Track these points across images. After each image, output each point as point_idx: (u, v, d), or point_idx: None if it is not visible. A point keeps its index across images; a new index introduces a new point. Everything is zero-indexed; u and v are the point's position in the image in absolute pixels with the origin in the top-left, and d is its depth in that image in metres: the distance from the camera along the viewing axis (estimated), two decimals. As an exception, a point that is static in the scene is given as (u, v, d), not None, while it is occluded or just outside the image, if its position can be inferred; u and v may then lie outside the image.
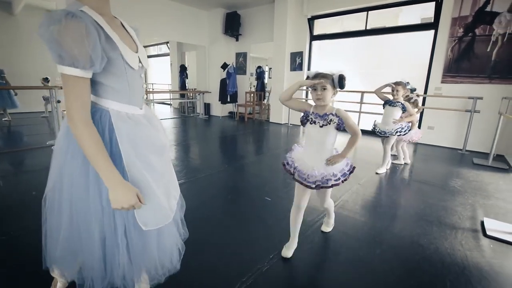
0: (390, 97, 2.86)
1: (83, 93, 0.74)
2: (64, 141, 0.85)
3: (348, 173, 1.36)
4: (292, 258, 1.47)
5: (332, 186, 1.32)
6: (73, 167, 0.82)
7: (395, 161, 3.33)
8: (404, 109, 2.74)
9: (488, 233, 1.74)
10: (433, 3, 4.22)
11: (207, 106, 7.57)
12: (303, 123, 1.35)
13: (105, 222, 0.84)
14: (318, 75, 1.27)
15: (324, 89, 1.25)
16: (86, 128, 0.74)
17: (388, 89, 2.89)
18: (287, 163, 1.41)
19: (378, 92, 2.93)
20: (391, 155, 3.69)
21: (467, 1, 3.88)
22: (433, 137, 4.42)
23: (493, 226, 1.81)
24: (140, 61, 0.90)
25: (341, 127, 1.28)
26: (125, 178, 0.82)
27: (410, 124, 2.86)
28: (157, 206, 0.90)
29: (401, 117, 2.83)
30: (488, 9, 3.75)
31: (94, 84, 0.80)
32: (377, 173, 2.91)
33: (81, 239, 0.85)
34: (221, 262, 1.43)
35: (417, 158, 3.72)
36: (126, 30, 0.92)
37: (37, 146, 3.69)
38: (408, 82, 2.81)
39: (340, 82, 1.24)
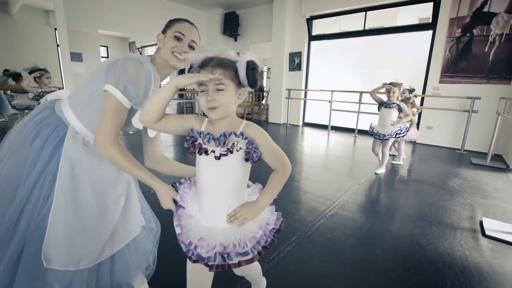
0: (385, 98, 2.86)
1: (122, 120, 0.83)
2: (21, 130, 0.85)
3: (272, 235, 0.82)
4: (292, 260, 1.47)
5: (239, 265, 0.78)
6: (8, 166, 0.82)
7: (394, 161, 3.33)
8: (400, 110, 2.73)
9: (487, 233, 1.74)
10: (431, 4, 4.24)
11: (205, 106, 7.55)
12: (191, 151, 0.78)
13: (4, 232, 0.77)
14: (209, 62, 0.71)
15: (220, 89, 0.70)
16: (118, 151, 0.80)
17: (383, 90, 2.90)
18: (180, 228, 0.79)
19: (373, 93, 2.92)
20: (389, 155, 3.71)
21: (465, 2, 3.90)
22: (431, 137, 4.44)
23: (492, 226, 1.82)
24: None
25: (254, 157, 0.74)
26: (48, 201, 0.76)
27: (408, 124, 2.86)
28: (75, 246, 0.79)
29: (400, 117, 2.84)
30: (485, 9, 3.77)
31: (81, 100, 0.87)
32: (376, 174, 2.92)
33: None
34: (221, 263, 1.42)
35: (415, 158, 3.73)
36: None
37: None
38: (401, 83, 2.81)
39: (250, 75, 0.70)
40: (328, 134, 5.24)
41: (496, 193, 2.48)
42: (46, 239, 0.75)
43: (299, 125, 6.22)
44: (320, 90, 5.64)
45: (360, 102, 4.92)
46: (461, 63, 4.04)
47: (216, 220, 0.79)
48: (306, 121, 6.34)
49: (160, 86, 0.95)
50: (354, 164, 3.42)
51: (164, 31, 0.91)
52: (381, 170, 2.95)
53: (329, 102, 5.31)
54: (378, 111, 2.90)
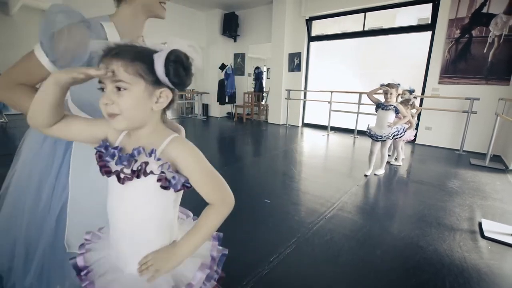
0: (382, 99, 2.86)
1: (35, 77, 0.72)
2: (29, 133, 0.86)
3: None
4: (292, 262, 1.47)
5: None
6: (26, 170, 0.84)
7: (394, 162, 3.34)
8: (397, 112, 2.73)
9: (486, 234, 1.75)
10: (430, 5, 4.25)
11: (205, 107, 7.56)
12: (102, 171, 0.57)
13: (32, 233, 0.81)
14: (111, 50, 0.53)
15: (121, 89, 0.52)
16: (15, 89, 0.72)
17: (381, 91, 2.90)
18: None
19: (370, 94, 2.92)
20: (390, 155, 3.71)
21: (464, 3, 3.91)
22: (430, 137, 4.45)
23: (490, 227, 1.83)
24: None
25: (176, 185, 0.55)
26: (64, 194, 0.80)
27: (405, 126, 2.85)
28: (87, 228, 0.80)
29: (398, 117, 2.85)
30: (484, 10, 3.78)
31: (78, 95, 0.82)
32: (375, 174, 2.93)
33: (14, 237, 0.83)
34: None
35: (415, 159, 3.74)
36: None
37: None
38: (399, 84, 2.78)
39: (171, 71, 0.52)
40: (328, 135, 5.24)
41: (495, 194, 2.49)
42: (68, 226, 0.79)
43: (298, 126, 6.23)
44: (320, 91, 5.65)
45: (359, 103, 4.93)
46: (460, 64, 4.06)
47: (126, 265, 0.59)
48: (305, 121, 6.35)
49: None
50: (353, 164, 3.43)
51: None
52: (381, 171, 2.95)
53: (329, 102, 5.32)
54: (376, 112, 2.90)
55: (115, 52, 0.52)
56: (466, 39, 3.96)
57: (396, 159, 3.37)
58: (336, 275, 1.38)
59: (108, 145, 0.59)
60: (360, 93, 4.92)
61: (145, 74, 0.52)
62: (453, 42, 4.06)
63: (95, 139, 0.62)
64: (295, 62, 5.96)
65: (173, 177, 0.55)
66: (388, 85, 2.73)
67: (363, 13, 5.00)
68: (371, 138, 2.88)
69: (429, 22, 4.32)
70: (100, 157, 0.57)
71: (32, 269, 0.80)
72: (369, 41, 5.29)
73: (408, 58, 4.89)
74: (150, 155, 0.54)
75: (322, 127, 5.82)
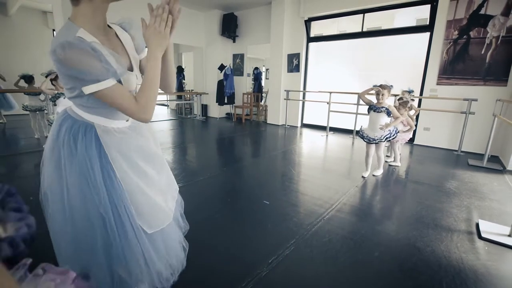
0: (375, 100, 2.85)
1: (122, 91, 0.78)
2: (54, 146, 0.86)
3: None
4: (291, 263, 1.48)
5: None
6: (69, 174, 0.83)
7: (392, 163, 3.35)
8: (389, 114, 2.70)
9: (483, 235, 1.76)
10: (429, 6, 4.27)
11: (204, 108, 7.56)
12: None
13: (108, 229, 0.85)
14: None
15: None
16: (147, 104, 0.81)
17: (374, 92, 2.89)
18: None
19: (363, 95, 2.88)
20: (388, 155, 3.73)
21: (462, 4, 3.93)
22: (429, 138, 4.47)
23: (488, 228, 1.84)
24: (137, 78, 0.93)
25: None
26: (119, 189, 0.87)
27: (398, 128, 2.85)
28: (155, 209, 0.95)
29: (394, 117, 2.88)
30: (482, 12, 3.80)
31: (79, 100, 0.82)
32: (374, 175, 2.94)
33: (85, 245, 0.86)
34: (220, 267, 1.44)
35: (413, 159, 3.76)
36: (120, 41, 0.92)
37: (33, 150, 3.66)
38: (391, 86, 2.72)
39: None
40: (327, 136, 5.26)
41: (492, 195, 2.51)
42: (137, 214, 0.89)
43: (297, 126, 6.24)
44: (319, 92, 5.66)
45: (358, 104, 4.94)
46: (458, 65, 4.07)
47: None
48: (304, 122, 6.36)
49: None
50: (352, 165, 3.44)
51: None
52: (379, 172, 2.96)
53: (328, 103, 5.33)
54: (368, 114, 2.85)
55: None
56: (464, 40, 3.98)
57: (394, 159, 3.38)
58: (334, 277, 1.39)
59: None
60: (359, 94, 4.94)
61: None
62: (451, 43, 4.08)
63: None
64: (294, 63, 5.97)
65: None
66: (381, 86, 2.71)
67: (362, 14, 5.02)
68: (364, 140, 2.88)
69: (428, 23, 4.34)
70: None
71: (133, 265, 0.89)
72: (367, 42, 5.31)
73: (406, 59, 4.90)
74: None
75: (321, 128, 5.84)
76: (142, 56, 0.99)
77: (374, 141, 2.78)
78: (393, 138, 2.80)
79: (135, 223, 0.89)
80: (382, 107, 2.69)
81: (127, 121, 0.96)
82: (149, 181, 0.95)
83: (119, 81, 0.81)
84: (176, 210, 1.13)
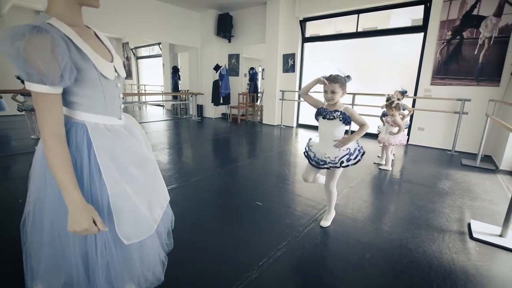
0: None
1: (54, 108, 0.72)
2: (41, 162, 0.82)
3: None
4: (281, 265, 1.47)
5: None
6: (54, 189, 0.80)
7: (383, 167, 3.24)
8: (347, 121, 1.66)
9: (474, 235, 1.77)
10: (422, 6, 4.29)
11: (199, 108, 7.53)
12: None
13: (87, 238, 0.83)
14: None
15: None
16: (56, 142, 0.72)
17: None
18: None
19: (305, 93, 1.81)
20: (381, 156, 3.73)
21: (455, 5, 3.95)
22: (423, 138, 4.49)
23: (479, 228, 1.85)
24: (116, 70, 0.88)
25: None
26: (104, 192, 0.83)
27: (361, 147, 1.78)
28: (138, 219, 0.89)
29: (389, 122, 2.82)
30: (475, 12, 3.83)
31: (68, 97, 0.79)
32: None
33: (64, 255, 0.84)
34: (210, 270, 1.42)
35: (407, 159, 3.77)
36: (100, 40, 0.90)
37: (24, 151, 3.61)
38: (348, 76, 1.68)
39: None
40: (322, 136, 5.25)
41: (484, 194, 2.52)
42: (117, 223, 0.83)
43: (293, 127, 6.24)
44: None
45: (353, 104, 4.95)
46: (452, 66, 4.10)
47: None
48: (300, 122, 6.36)
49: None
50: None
51: None
52: (327, 223, 1.94)
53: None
54: (316, 120, 1.83)
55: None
56: (457, 41, 4.00)
57: (385, 163, 3.25)
58: (325, 279, 1.38)
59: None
60: (354, 94, 4.95)
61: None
62: (445, 43, 4.10)
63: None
64: (289, 63, 5.97)
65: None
66: (329, 78, 1.65)
67: (357, 14, 5.03)
68: (310, 163, 1.82)
69: (421, 23, 4.36)
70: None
71: (99, 273, 0.84)
72: (362, 42, 5.32)
73: (401, 59, 4.92)
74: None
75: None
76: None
77: (323, 165, 1.72)
78: (355, 163, 1.70)
79: (109, 232, 0.85)
80: (335, 111, 1.67)
81: (119, 119, 0.93)
82: (136, 187, 0.90)
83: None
84: (160, 224, 1.07)
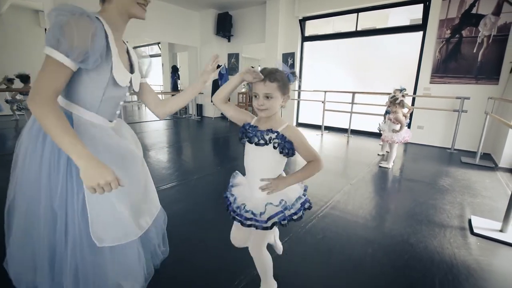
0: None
1: (60, 79, 0.73)
2: (25, 139, 0.84)
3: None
4: (284, 260, 1.47)
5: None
6: (29, 172, 0.81)
7: (383, 164, 3.23)
8: (285, 151, 0.97)
9: (475, 231, 1.78)
10: (421, 5, 4.31)
11: (199, 107, 7.53)
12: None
13: (57, 234, 0.81)
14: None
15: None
16: (54, 107, 0.71)
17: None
18: None
19: (221, 100, 1.07)
20: (381, 155, 3.75)
21: (454, 4, 3.97)
22: (422, 136, 4.51)
23: (480, 224, 1.86)
24: (130, 81, 0.91)
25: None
26: (81, 187, 0.80)
27: (307, 200, 1.09)
28: (116, 221, 0.85)
29: (391, 119, 2.84)
30: (473, 11, 3.85)
31: (69, 85, 0.80)
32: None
33: (33, 246, 0.83)
34: (213, 265, 1.42)
35: (407, 158, 3.78)
36: (129, 56, 0.95)
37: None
38: (293, 73, 0.99)
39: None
40: (322, 134, 5.27)
41: (484, 191, 2.53)
42: (91, 222, 0.81)
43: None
44: (313, 91, 5.68)
45: (352, 103, 4.96)
46: (451, 64, 4.12)
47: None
48: (299, 121, 6.37)
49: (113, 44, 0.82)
50: (346, 164, 3.45)
51: None
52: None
53: (322, 102, 5.35)
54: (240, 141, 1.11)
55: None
56: (456, 39, 4.02)
57: (387, 160, 3.23)
58: (328, 273, 1.39)
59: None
60: (353, 93, 4.96)
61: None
62: (444, 42, 4.12)
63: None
64: (288, 62, 5.97)
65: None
66: (265, 72, 0.95)
67: (356, 14, 5.04)
68: (230, 215, 1.09)
69: (421, 22, 4.37)
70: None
71: (67, 275, 0.81)
72: (362, 41, 5.34)
73: (400, 58, 4.94)
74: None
75: (316, 127, 5.85)
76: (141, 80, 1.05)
77: (244, 222, 1.00)
78: (297, 220, 1.01)
79: (82, 233, 0.81)
80: (269, 132, 0.98)
81: (111, 121, 0.92)
82: (119, 190, 0.85)
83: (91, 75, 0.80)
84: (152, 230, 1.04)
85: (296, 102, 6.15)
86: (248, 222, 0.97)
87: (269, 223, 0.96)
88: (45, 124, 0.69)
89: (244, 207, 1.01)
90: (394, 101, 3.01)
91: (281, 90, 0.95)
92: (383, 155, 3.69)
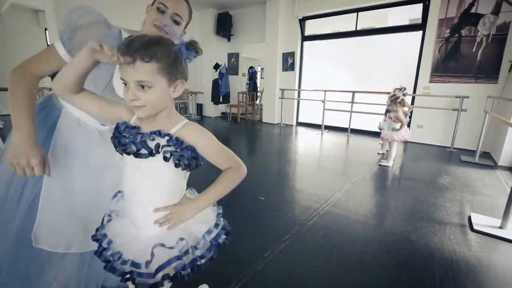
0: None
1: (50, 64, 0.76)
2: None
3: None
4: (286, 257, 1.48)
5: None
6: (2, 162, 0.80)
7: (383, 163, 3.24)
8: (183, 161, 0.66)
9: (475, 227, 1.79)
10: (421, 5, 4.33)
11: (199, 107, 7.54)
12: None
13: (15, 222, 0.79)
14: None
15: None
16: (27, 81, 0.73)
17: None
18: None
19: (68, 88, 0.64)
20: (381, 153, 3.76)
21: (453, 3, 3.99)
22: (422, 135, 4.52)
23: (479, 221, 1.87)
24: None
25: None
26: (40, 182, 0.78)
27: (223, 223, 0.84)
28: (63, 226, 0.81)
29: (393, 118, 2.86)
30: (473, 10, 3.86)
31: None
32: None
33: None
34: (216, 262, 1.43)
35: (407, 156, 3.80)
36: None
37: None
38: (191, 44, 0.63)
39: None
40: (322, 134, 5.28)
41: (484, 189, 2.55)
42: (37, 219, 0.77)
43: (292, 125, 6.26)
44: (313, 90, 5.69)
45: (352, 102, 4.98)
46: (450, 63, 4.13)
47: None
48: (299, 120, 6.38)
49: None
50: (346, 163, 3.46)
51: (153, 2, 0.89)
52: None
53: (322, 101, 5.36)
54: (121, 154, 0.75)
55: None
56: (456, 39, 4.04)
57: (387, 158, 3.25)
58: (328, 271, 1.40)
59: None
60: (353, 92, 4.97)
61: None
62: (443, 41, 4.14)
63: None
64: (288, 62, 5.99)
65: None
66: (132, 43, 0.59)
67: (356, 13, 5.06)
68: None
69: (420, 22, 4.39)
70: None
71: None
72: (361, 40, 5.35)
73: (400, 58, 4.96)
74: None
75: (316, 126, 5.86)
76: None
77: (124, 275, 0.63)
78: (204, 265, 0.77)
79: (26, 225, 0.77)
80: (157, 134, 0.65)
81: (103, 125, 0.90)
82: (75, 191, 0.82)
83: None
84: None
85: (296, 101, 6.16)
86: (127, 277, 0.62)
87: (159, 277, 0.63)
88: (11, 91, 0.70)
89: (119, 256, 0.64)
90: (395, 100, 3.03)
91: (167, 74, 0.62)
92: (383, 154, 3.71)
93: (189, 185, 0.78)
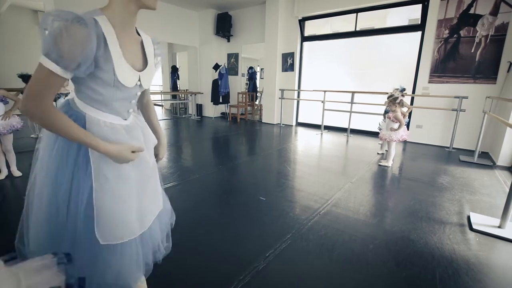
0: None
1: (54, 87, 0.74)
2: (45, 138, 0.86)
3: None
4: (287, 256, 1.50)
5: None
6: (42, 165, 0.84)
7: (383, 163, 3.26)
8: None
9: (474, 227, 1.81)
10: (420, 5, 4.35)
11: (199, 107, 7.54)
12: None
13: (59, 227, 0.83)
14: None
15: None
16: (57, 111, 0.74)
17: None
18: None
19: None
20: (380, 153, 3.78)
21: (452, 4, 4.01)
22: (421, 135, 4.55)
23: (478, 220, 1.89)
24: (139, 80, 0.90)
25: None
26: (86, 187, 0.82)
27: None
28: (121, 220, 0.88)
29: (394, 116, 2.87)
30: (471, 11, 3.89)
31: (79, 86, 0.82)
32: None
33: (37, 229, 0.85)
34: (218, 262, 1.45)
35: (406, 156, 3.82)
36: (143, 48, 0.92)
37: (24, 150, 3.60)
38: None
39: None
40: (321, 134, 5.30)
41: (483, 189, 2.57)
42: (96, 219, 0.83)
43: (292, 125, 6.28)
44: (313, 90, 5.71)
45: (352, 102, 5.00)
46: (449, 64, 4.16)
47: None
48: (299, 121, 6.40)
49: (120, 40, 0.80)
50: (346, 162, 3.48)
51: None
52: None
53: (322, 102, 5.38)
54: None
55: None
56: (455, 39, 4.06)
57: (386, 159, 3.27)
58: (330, 269, 1.41)
59: None
60: (353, 92, 5.00)
61: None
62: (442, 42, 4.16)
63: None
64: (288, 62, 6.00)
65: None
66: None
67: (355, 14, 5.08)
68: None
69: (419, 22, 4.41)
70: None
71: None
72: (361, 41, 5.37)
73: (399, 58, 4.98)
74: None
75: (316, 126, 5.88)
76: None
77: None
78: None
79: (86, 226, 0.82)
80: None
81: (125, 119, 0.93)
82: (125, 186, 0.89)
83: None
84: (156, 228, 1.06)
85: (295, 101, 6.18)
86: None
87: None
88: (57, 129, 0.73)
89: None
90: (394, 101, 3.05)
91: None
92: (382, 153, 3.73)
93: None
